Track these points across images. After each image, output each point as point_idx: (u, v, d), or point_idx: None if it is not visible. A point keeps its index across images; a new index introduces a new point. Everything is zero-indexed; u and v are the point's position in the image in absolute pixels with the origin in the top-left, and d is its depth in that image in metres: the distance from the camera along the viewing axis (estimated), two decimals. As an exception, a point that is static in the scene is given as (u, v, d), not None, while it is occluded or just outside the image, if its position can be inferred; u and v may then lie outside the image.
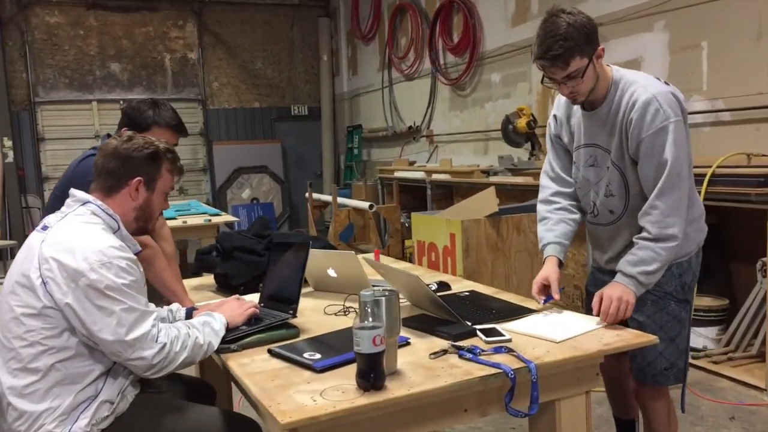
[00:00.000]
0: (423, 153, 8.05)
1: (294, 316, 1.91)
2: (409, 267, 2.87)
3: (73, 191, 1.71)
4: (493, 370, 1.53)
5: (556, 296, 2.01)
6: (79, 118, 9.53)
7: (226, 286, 2.51)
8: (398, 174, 7.16)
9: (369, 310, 1.45)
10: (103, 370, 1.60)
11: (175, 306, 2.00)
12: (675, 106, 1.89)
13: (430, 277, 2.59)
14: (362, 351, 1.41)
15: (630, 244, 2.00)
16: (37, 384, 1.53)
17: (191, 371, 1.93)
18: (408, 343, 1.75)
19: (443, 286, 2.34)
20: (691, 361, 3.69)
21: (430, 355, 1.64)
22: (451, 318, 1.88)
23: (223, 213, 6.02)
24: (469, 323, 1.85)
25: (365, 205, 6.35)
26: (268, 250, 2.49)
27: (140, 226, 1.78)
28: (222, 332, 1.76)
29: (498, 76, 6.58)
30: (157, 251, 2.21)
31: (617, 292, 1.85)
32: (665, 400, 2.14)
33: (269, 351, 1.72)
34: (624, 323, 1.91)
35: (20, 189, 9.06)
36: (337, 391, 1.43)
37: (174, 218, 5.63)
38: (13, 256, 8.61)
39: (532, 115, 5.47)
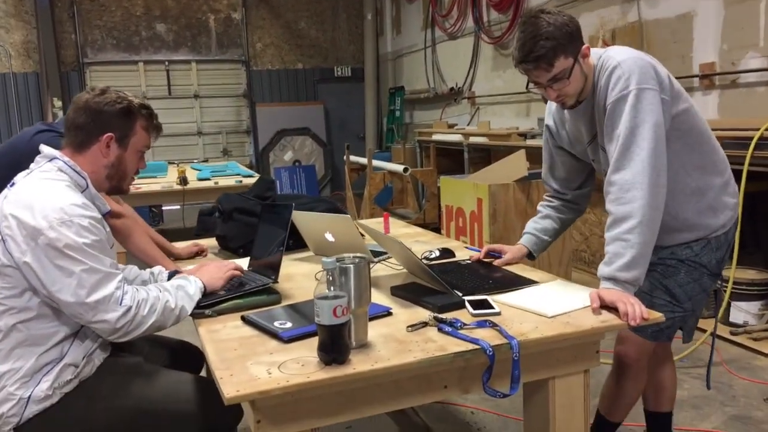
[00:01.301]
0: (464, 115, 7.81)
1: (275, 281, 1.82)
2: (419, 232, 2.74)
3: (42, 147, 1.65)
4: (470, 346, 1.41)
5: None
6: (126, 79, 9.63)
7: (227, 248, 2.45)
8: (436, 137, 6.97)
9: (332, 278, 1.34)
10: (68, 333, 1.55)
11: (157, 269, 1.94)
12: (643, 74, 1.71)
13: (438, 243, 2.46)
14: (323, 322, 1.31)
15: None
16: (-2, 345, 1.50)
17: (173, 333, 1.86)
18: (389, 314, 1.64)
19: (446, 253, 2.21)
20: (729, 337, 3.47)
21: (408, 327, 1.53)
22: (440, 288, 1.76)
23: (257, 174, 5.98)
24: (460, 294, 1.73)
25: (400, 168, 6.21)
26: (269, 212, 2.42)
27: (113, 185, 1.71)
28: (197, 296, 1.69)
29: (542, 34, 6.26)
30: (134, 221, 2.15)
31: (615, 295, 1.60)
32: (649, 354, 2.00)
33: (242, 318, 1.64)
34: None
35: (70, 149, 9.28)
36: (297, 363, 1.35)
37: (208, 179, 5.65)
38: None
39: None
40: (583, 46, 1.76)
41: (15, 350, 1.50)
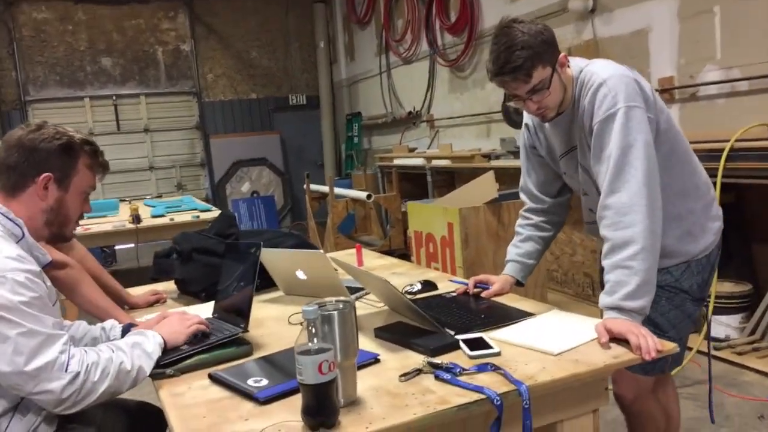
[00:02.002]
0: (424, 139, 7.74)
1: (245, 330, 1.63)
2: (395, 263, 2.58)
3: None
4: (475, 396, 1.24)
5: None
6: (72, 116, 9.25)
7: (187, 292, 2.24)
8: (397, 161, 6.86)
9: (313, 330, 1.16)
10: (6, 407, 1.33)
11: (108, 323, 1.72)
12: (630, 91, 1.62)
13: (417, 275, 2.30)
14: (307, 381, 1.13)
15: None
16: None
17: (131, 393, 1.63)
18: (377, 361, 1.47)
19: (428, 285, 2.05)
20: (713, 352, 3.39)
21: (401, 376, 1.35)
22: (430, 327, 1.59)
23: (214, 208, 5.74)
24: (452, 332, 1.57)
25: (363, 195, 6.06)
26: (232, 251, 2.22)
27: (54, 232, 1.50)
28: (156, 354, 1.48)
29: (498, 55, 6.24)
30: (80, 270, 1.92)
31: (624, 327, 1.47)
32: (648, 391, 1.88)
33: (209, 376, 1.44)
34: None
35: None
36: (279, 431, 1.15)
37: (163, 215, 5.39)
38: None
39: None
40: (560, 55, 1.66)
41: (-59, 433, 1.27)
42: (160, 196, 8.26)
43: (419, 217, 4.32)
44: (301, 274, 2.04)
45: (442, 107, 7.35)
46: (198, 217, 5.15)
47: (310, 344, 1.14)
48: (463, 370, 1.35)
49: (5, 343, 1.25)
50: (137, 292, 2.28)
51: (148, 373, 1.45)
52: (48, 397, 1.30)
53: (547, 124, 1.84)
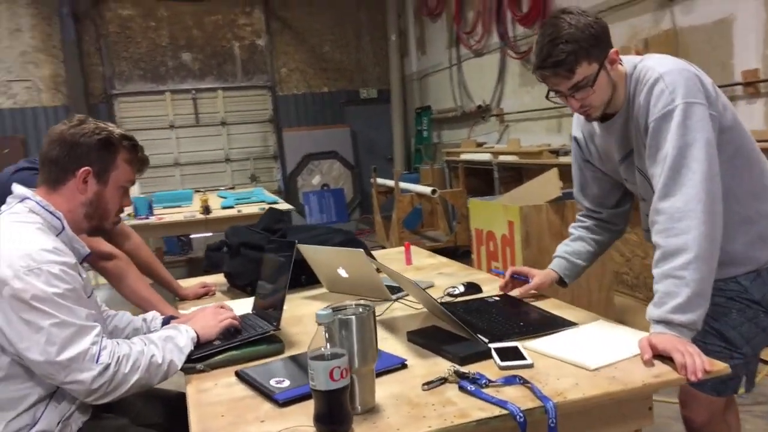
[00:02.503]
0: (493, 133, 7.58)
1: (277, 329, 1.62)
2: (443, 263, 2.52)
3: (14, 186, 1.49)
4: (497, 411, 1.18)
5: (520, 291, 1.89)
6: (153, 109, 9.67)
7: (235, 286, 2.28)
8: (464, 156, 6.75)
9: (327, 334, 1.13)
10: (42, 395, 1.38)
11: (150, 315, 1.76)
12: (690, 86, 1.49)
13: (464, 276, 2.24)
14: (318, 387, 1.11)
15: None
16: (-39, 412, 1.33)
17: (171, 384, 1.66)
18: (404, 366, 1.43)
19: (471, 288, 1.99)
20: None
21: (423, 385, 1.31)
22: (463, 333, 1.54)
23: (281, 201, 5.83)
24: (486, 340, 1.50)
25: (428, 190, 6.01)
26: (278, 247, 2.23)
27: (93, 225, 1.54)
28: (188, 348, 1.50)
29: (571, 47, 6.02)
30: (127, 262, 1.98)
31: (669, 343, 1.36)
32: (720, 414, 1.75)
33: (236, 373, 1.44)
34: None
35: (100, 180, 9.31)
36: (291, 436, 1.14)
37: (232, 206, 5.52)
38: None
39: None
40: (611, 50, 1.55)
41: (-20, 418, 1.33)
42: (233, 188, 8.49)
43: (480, 215, 4.23)
44: (342, 272, 2.02)
45: (512, 101, 7.18)
46: (264, 209, 5.24)
47: (323, 349, 1.12)
48: (490, 381, 1.29)
49: (38, 333, 1.29)
50: (190, 283, 2.33)
51: (179, 367, 1.48)
52: (79, 387, 1.34)
53: (598, 131, 1.74)
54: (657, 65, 1.55)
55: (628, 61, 1.62)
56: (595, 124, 1.74)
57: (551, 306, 1.80)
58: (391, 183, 6.95)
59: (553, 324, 1.62)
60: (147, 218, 5.10)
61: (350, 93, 10.31)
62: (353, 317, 1.19)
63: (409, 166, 9.84)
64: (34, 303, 1.29)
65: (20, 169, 2.11)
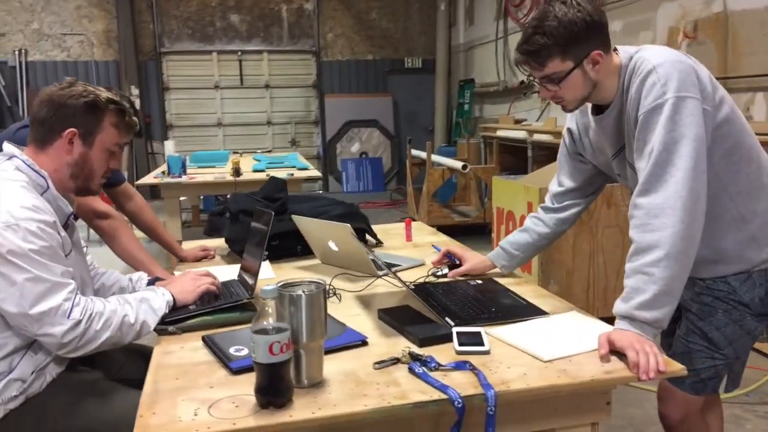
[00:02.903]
0: (534, 111, 7.43)
1: (251, 297, 1.66)
2: (445, 241, 2.51)
3: (4, 144, 1.55)
4: (436, 395, 1.19)
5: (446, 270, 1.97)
6: (200, 69, 9.82)
7: (234, 251, 2.33)
8: (500, 133, 6.65)
9: (270, 310, 1.16)
10: (20, 345, 1.45)
11: (137, 275, 1.82)
12: (683, 79, 1.43)
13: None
14: (258, 360, 1.14)
15: None
16: (-58, 356, 1.41)
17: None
18: (365, 343, 1.45)
19: (455, 267, 1.98)
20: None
21: (375, 364, 1.33)
22: (430, 314, 1.54)
23: (312, 167, 5.87)
24: (453, 323, 1.51)
25: (459, 165, 5.95)
26: (276, 215, 2.27)
27: (79, 185, 1.59)
28: (162, 310, 1.56)
29: (619, 24, 5.82)
30: (121, 222, 2.04)
31: (626, 340, 1.34)
32: (697, 412, 1.72)
33: (203, 338, 1.49)
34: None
35: (146, 136, 9.55)
36: (232, 404, 1.18)
37: (263, 170, 5.59)
38: (154, 197, 9.14)
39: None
40: (594, 51, 1.49)
41: (-40, 362, 1.41)
42: (270, 151, 8.60)
43: (502, 193, 4.18)
44: (333, 246, 2.04)
45: (556, 78, 7.00)
46: (292, 175, 5.29)
47: (265, 323, 1.14)
48: (440, 365, 1.30)
49: (13, 287, 1.36)
50: (191, 246, 2.40)
51: (152, 328, 1.53)
52: (50, 340, 1.40)
53: (593, 124, 1.70)
54: (652, 57, 1.49)
55: (624, 52, 1.56)
56: (590, 117, 1.70)
57: (533, 293, 1.79)
58: (424, 155, 6.91)
59: (524, 312, 1.61)
60: (180, 177, 5.22)
61: (394, 62, 10.23)
62: (302, 294, 1.21)
63: (450, 139, 9.75)
64: (9, 257, 1.36)
65: (23, 127, 2.19)
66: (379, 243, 2.45)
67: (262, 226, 1.77)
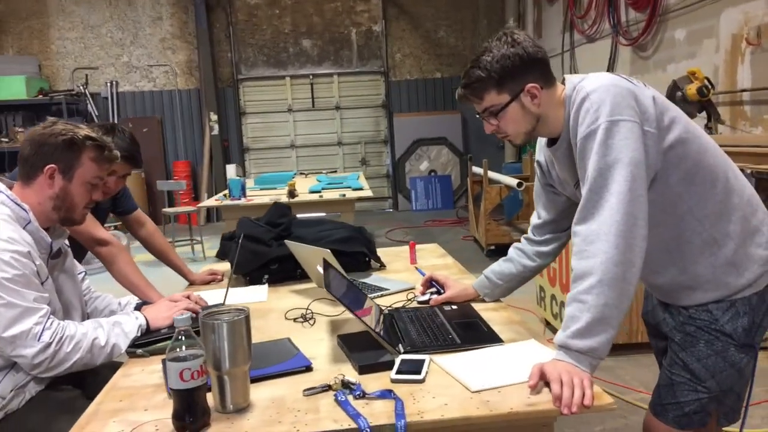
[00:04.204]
0: (602, 124, 7.19)
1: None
2: (449, 264, 2.49)
3: None
4: (347, 424, 1.21)
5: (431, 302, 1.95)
6: (274, 93, 10.22)
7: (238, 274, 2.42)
8: (560, 148, 6.47)
9: (182, 338, 1.21)
10: (2, 364, 1.59)
11: (126, 299, 1.94)
12: (617, 102, 1.38)
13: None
14: (171, 386, 1.20)
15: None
16: (-67, 373, 1.57)
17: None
18: (309, 369, 1.48)
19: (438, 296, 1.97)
20: None
21: (304, 391, 1.35)
22: (380, 341, 1.55)
23: (366, 188, 5.95)
24: (402, 351, 1.51)
25: (514, 182, 5.86)
26: (277, 240, 2.35)
27: (62, 216, 1.72)
28: (133, 333, 1.66)
29: (682, 33, 5.57)
30: (119, 248, 2.17)
31: (555, 372, 1.30)
32: None
33: (162, 361, 1.56)
34: None
35: (224, 159, 10.01)
36: (155, 428, 1.24)
37: (318, 191, 5.74)
38: (218, 219, 9.59)
39: (707, 80, 4.51)
40: (529, 85, 1.47)
41: (-52, 379, 1.56)
42: (335, 171, 8.77)
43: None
44: (319, 269, 2.08)
45: (622, 90, 6.76)
46: (344, 195, 5.40)
47: (178, 351, 1.20)
48: (365, 394, 1.31)
49: (-12, 312, 1.49)
50: (200, 270, 2.52)
51: (123, 350, 1.63)
52: (23, 361, 1.53)
53: (552, 157, 1.67)
54: (588, 84, 1.46)
55: (569, 83, 1.53)
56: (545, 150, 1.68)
57: (504, 320, 1.75)
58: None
59: (480, 339, 1.59)
60: (239, 199, 5.45)
61: (463, 79, 10.19)
62: (222, 323, 1.25)
63: (520, 156, 9.58)
64: None
65: None
66: (381, 266, 2.48)
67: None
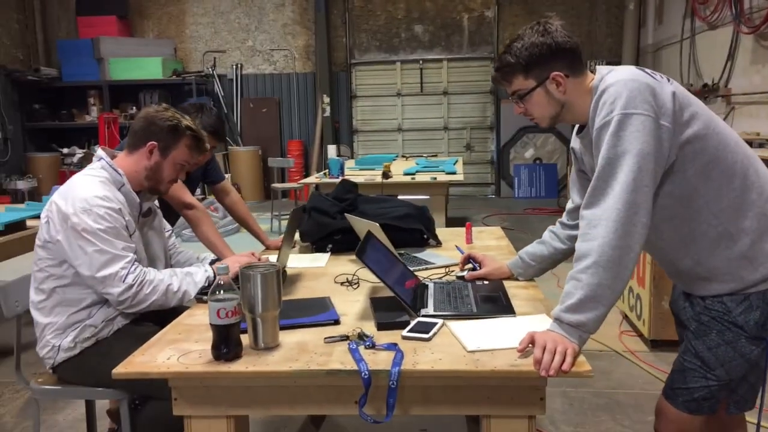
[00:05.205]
0: (718, 115, 6.82)
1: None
2: (504, 246, 2.61)
3: (98, 149, 2.05)
4: (350, 366, 1.41)
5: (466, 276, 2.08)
6: (384, 78, 10.49)
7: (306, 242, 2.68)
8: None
9: (222, 282, 1.46)
10: (96, 299, 1.93)
11: (203, 255, 2.27)
12: (633, 96, 1.46)
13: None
14: (210, 321, 1.45)
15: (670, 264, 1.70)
16: (44, 302, 1.94)
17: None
18: (336, 322, 1.69)
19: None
20: None
21: (326, 339, 1.57)
22: (403, 304, 1.74)
23: (459, 172, 6.06)
24: (421, 314, 1.69)
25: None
26: (342, 213, 2.57)
27: (151, 186, 2.03)
28: (201, 283, 1.96)
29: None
30: (203, 213, 2.49)
31: (542, 339, 1.43)
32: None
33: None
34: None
35: (334, 139, 10.46)
36: (198, 356, 1.51)
37: (412, 173, 5.94)
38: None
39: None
40: (554, 73, 1.57)
41: (55, 308, 1.93)
42: (435, 155, 8.91)
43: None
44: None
45: (741, 81, 6.39)
46: (435, 179, 5.57)
47: (218, 294, 1.46)
48: (375, 345, 1.50)
49: (86, 255, 1.84)
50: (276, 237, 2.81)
51: (192, 296, 1.93)
52: (110, 298, 1.87)
53: (581, 144, 1.76)
54: (611, 77, 1.54)
55: (599, 73, 1.61)
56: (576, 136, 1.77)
57: (527, 297, 1.88)
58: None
59: (495, 310, 1.73)
60: (337, 178, 5.78)
61: (576, 66, 9.95)
62: (257, 273, 1.49)
63: (631, 146, 9.26)
64: (83, 234, 1.83)
65: None
66: (438, 243, 2.64)
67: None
